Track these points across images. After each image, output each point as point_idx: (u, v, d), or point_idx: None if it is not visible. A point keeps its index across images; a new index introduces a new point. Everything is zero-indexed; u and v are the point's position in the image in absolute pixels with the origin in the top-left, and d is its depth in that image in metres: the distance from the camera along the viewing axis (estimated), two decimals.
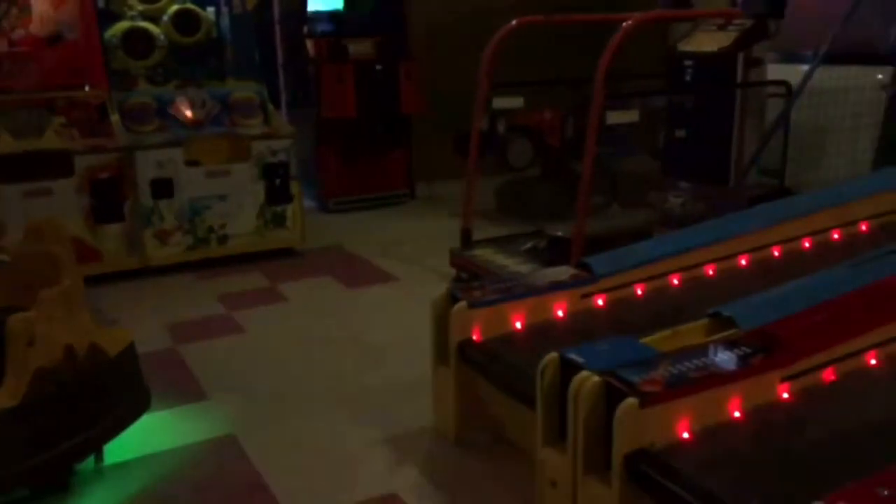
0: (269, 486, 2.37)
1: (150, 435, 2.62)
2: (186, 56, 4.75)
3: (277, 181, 4.60)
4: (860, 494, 1.37)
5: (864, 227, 3.18)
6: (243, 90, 4.74)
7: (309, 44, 5.68)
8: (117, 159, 4.28)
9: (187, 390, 3.02)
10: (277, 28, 6.07)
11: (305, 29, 5.71)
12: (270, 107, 4.80)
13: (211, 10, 4.89)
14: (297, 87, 5.97)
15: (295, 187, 4.67)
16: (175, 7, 4.70)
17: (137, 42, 4.60)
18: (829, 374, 2.03)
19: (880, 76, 4.19)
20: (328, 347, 3.41)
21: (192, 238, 4.46)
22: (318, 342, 3.48)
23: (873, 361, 2.11)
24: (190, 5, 4.74)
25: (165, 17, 4.68)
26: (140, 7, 4.65)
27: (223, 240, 4.54)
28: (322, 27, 5.72)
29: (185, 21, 4.71)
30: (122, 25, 4.58)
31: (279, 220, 4.66)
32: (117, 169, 4.27)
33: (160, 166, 4.34)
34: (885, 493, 1.37)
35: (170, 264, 4.41)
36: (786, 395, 1.95)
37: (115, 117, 4.35)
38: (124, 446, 2.50)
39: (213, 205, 4.47)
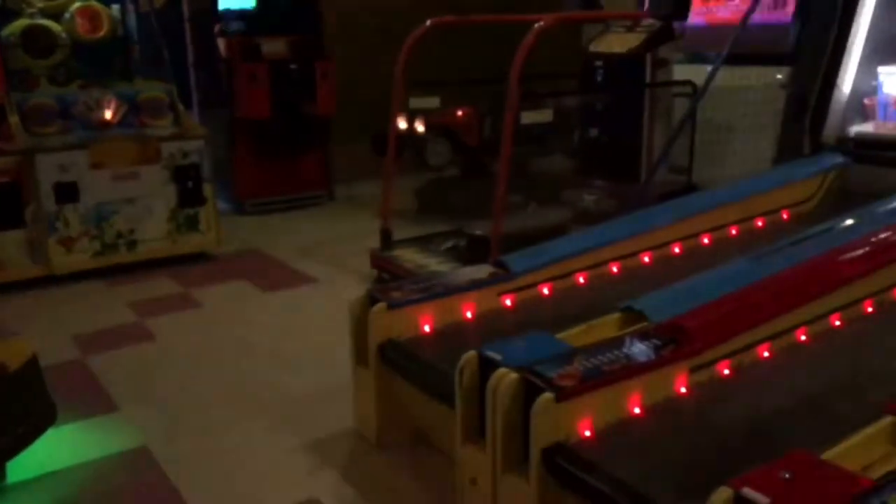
0: (184, 499, 2.30)
1: (55, 450, 2.51)
2: (91, 55, 4.57)
3: (189, 183, 4.48)
4: (764, 478, 1.42)
5: (765, 221, 3.32)
6: (152, 90, 4.59)
7: (220, 43, 5.55)
8: (17, 163, 4.08)
9: (96, 402, 2.90)
10: (187, 26, 5.92)
11: (217, 27, 5.58)
12: (181, 107, 4.66)
13: (116, 7, 4.73)
14: (208, 86, 5.83)
15: (208, 189, 4.55)
16: (78, 4, 4.51)
17: (37, 40, 4.40)
18: (735, 363, 2.11)
19: (779, 76, 4.38)
20: (245, 353, 3.33)
21: (100, 244, 4.30)
22: (234, 348, 3.40)
23: (776, 350, 2.20)
24: (94, 3, 4.56)
25: (68, 15, 4.49)
26: (40, 4, 4.45)
27: (132, 245, 4.39)
28: (234, 26, 5.60)
29: (88, 19, 4.52)
30: (21, 23, 4.38)
31: (192, 224, 4.53)
32: (17, 173, 4.08)
33: (63, 170, 4.16)
34: (787, 476, 1.43)
35: (76, 272, 4.24)
36: (695, 385, 2.01)
37: (14, 119, 4.14)
38: (28, 463, 2.38)
39: (121, 209, 4.32)
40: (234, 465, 2.48)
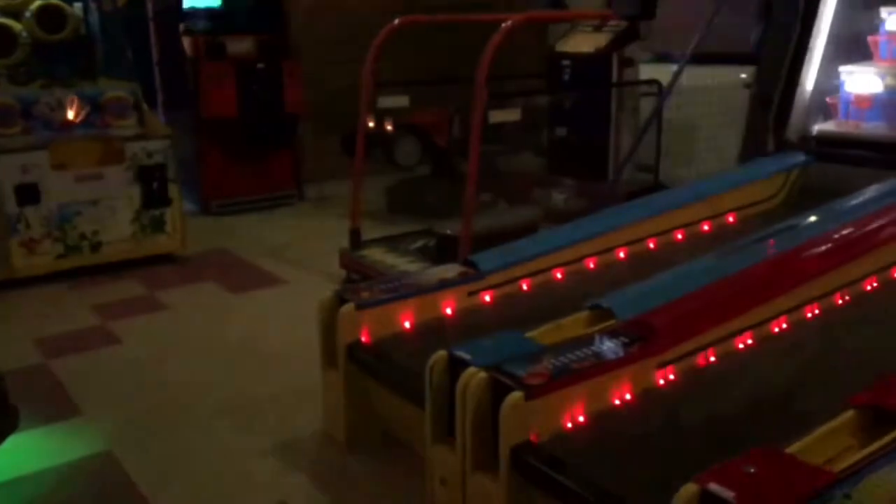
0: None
1: (18, 457, 2.46)
2: (52, 54, 4.49)
3: (154, 184, 4.41)
4: (729, 473, 1.44)
5: (731, 218, 3.36)
6: (115, 90, 4.50)
7: (186, 42, 5.48)
8: None
9: (59, 407, 2.85)
10: (151, 25, 5.84)
11: (182, 26, 5.50)
12: (145, 107, 4.59)
13: (78, 6, 4.65)
14: (174, 86, 5.75)
15: (173, 190, 4.49)
16: (39, 2, 4.42)
17: None
18: (701, 360, 2.13)
19: (744, 75, 4.44)
20: (212, 356, 3.29)
21: (63, 246, 4.22)
22: (201, 351, 3.36)
23: (742, 346, 2.23)
24: (55, 1, 4.47)
25: (28, 14, 4.40)
26: (0, 2, 4.36)
27: (97, 247, 4.31)
28: (199, 24, 5.53)
29: (49, 17, 4.44)
30: None
31: (157, 225, 4.47)
32: None
33: (25, 171, 4.08)
34: (752, 470, 1.44)
35: (39, 275, 4.15)
36: (662, 382, 2.03)
37: None
38: None
39: (84, 210, 4.25)
40: (201, 469, 2.45)
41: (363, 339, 2.44)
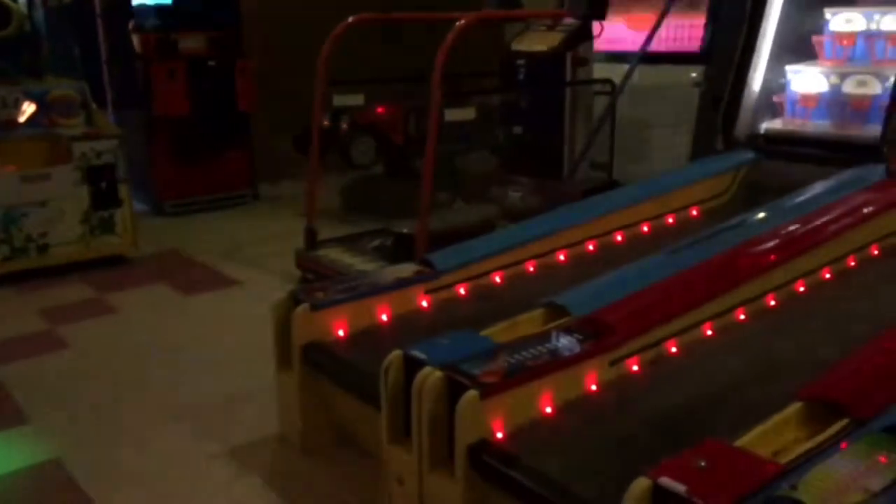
0: None
1: None
2: None
3: (103, 184, 4.32)
4: (680, 467, 1.46)
5: (682, 215, 3.42)
6: (62, 88, 4.40)
7: (135, 39, 5.37)
8: None
9: (5, 414, 2.77)
10: (100, 22, 5.71)
11: (131, 23, 5.39)
12: (93, 105, 4.49)
13: (23, 1, 4.53)
14: (123, 84, 5.63)
15: (123, 190, 4.40)
16: None
17: None
18: (654, 354, 2.16)
19: (694, 74, 4.52)
20: (164, 359, 3.24)
21: (8, 248, 4.11)
22: (153, 355, 3.29)
23: (693, 340, 2.26)
24: None
25: None
26: None
27: (44, 249, 4.21)
28: (149, 21, 5.42)
29: None
30: None
31: (107, 227, 4.37)
32: None
33: None
34: (703, 464, 1.47)
35: None
36: (616, 377, 2.05)
37: None
38: None
39: (30, 212, 4.14)
40: (153, 475, 2.41)
41: (318, 339, 2.41)
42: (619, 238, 3.19)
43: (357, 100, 5.23)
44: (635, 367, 2.11)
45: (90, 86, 4.54)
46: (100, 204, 4.33)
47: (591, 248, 3.09)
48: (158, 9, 5.46)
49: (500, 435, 1.82)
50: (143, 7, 5.42)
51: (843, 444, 1.51)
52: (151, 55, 5.31)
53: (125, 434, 2.65)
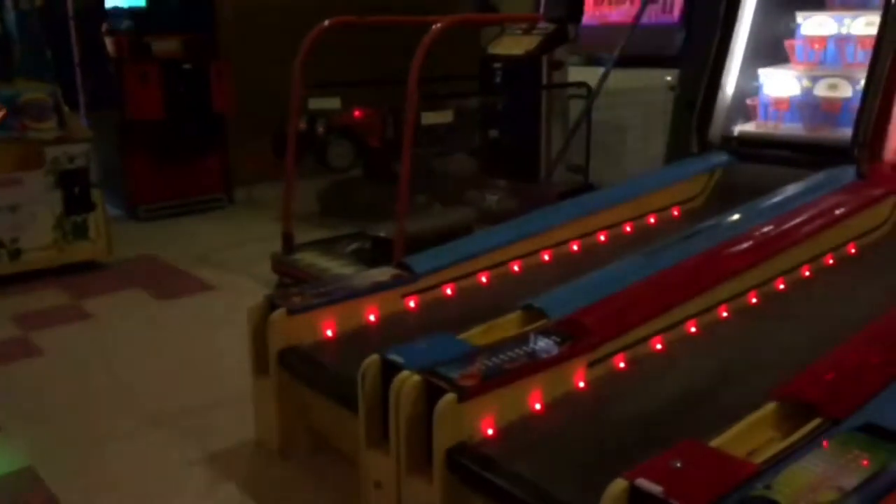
0: None
1: None
2: None
3: (76, 189, 4.26)
4: (656, 468, 1.47)
5: (656, 218, 3.44)
6: (34, 91, 4.33)
7: (108, 42, 5.32)
8: None
9: None
10: (72, 24, 5.64)
11: (104, 26, 5.34)
12: (66, 109, 4.43)
13: None
14: (96, 87, 5.57)
15: (96, 195, 4.35)
16: None
17: None
18: (630, 357, 2.17)
19: (668, 78, 4.56)
20: (139, 366, 3.20)
21: None
22: (128, 361, 3.26)
23: (670, 342, 2.27)
24: None
25: None
26: None
27: (16, 255, 4.14)
28: (122, 24, 5.37)
29: None
30: None
31: (80, 232, 4.32)
32: None
33: None
34: (678, 465, 1.48)
35: None
36: (593, 379, 2.06)
37: None
38: None
39: (2, 217, 4.08)
40: (129, 482, 2.38)
41: (295, 344, 2.39)
42: (595, 240, 3.21)
43: (334, 103, 5.22)
44: (611, 369, 2.12)
45: (63, 89, 4.49)
46: (73, 209, 4.28)
47: (567, 250, 3.11)
48: (132, 11, 5.41)
49: (478, 438, 1.82)
50: (116, 9, 5.37)
51: (826, 443, 1.52)
52: (125, 58, 5.26)
53: (100, 441, 2.62)
